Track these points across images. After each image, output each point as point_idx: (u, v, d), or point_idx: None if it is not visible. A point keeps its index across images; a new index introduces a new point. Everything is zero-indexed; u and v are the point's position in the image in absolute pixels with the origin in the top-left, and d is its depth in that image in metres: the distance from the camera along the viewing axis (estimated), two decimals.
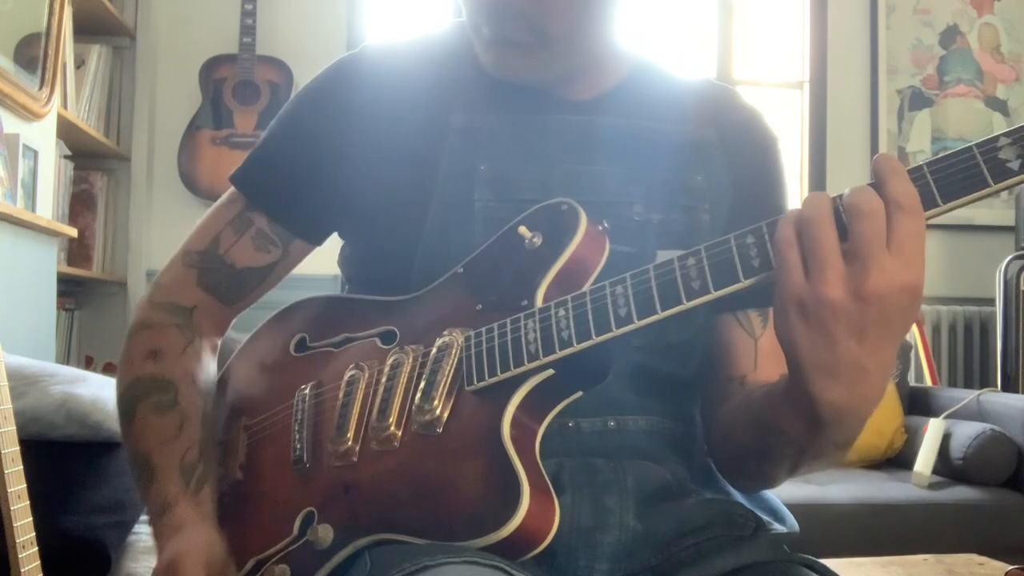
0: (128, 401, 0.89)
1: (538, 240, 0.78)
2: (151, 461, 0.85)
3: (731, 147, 0.92)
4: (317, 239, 0.96)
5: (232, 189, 0.95)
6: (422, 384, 0.77)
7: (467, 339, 0.77)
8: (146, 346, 0.91)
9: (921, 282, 0.62)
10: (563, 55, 0.86)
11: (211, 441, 0.88)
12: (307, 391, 0.86)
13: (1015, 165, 0.60)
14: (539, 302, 0.75)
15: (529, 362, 0.73)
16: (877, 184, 0.62)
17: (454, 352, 0.77)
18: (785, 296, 0.63)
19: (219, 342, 0.97)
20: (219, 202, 0.95)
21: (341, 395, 0.82)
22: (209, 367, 0.94)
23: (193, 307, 0.93)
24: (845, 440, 0.70)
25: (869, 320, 0.61)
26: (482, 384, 0.74)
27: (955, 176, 0.61)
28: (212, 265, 0.92)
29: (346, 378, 0.83)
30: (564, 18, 0.82)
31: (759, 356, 0.89)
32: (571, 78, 0.90)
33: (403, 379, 0.79)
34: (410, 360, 0.80)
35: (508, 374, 0.73)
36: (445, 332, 0.78)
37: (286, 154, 0.92)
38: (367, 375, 0.82)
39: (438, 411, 0.75)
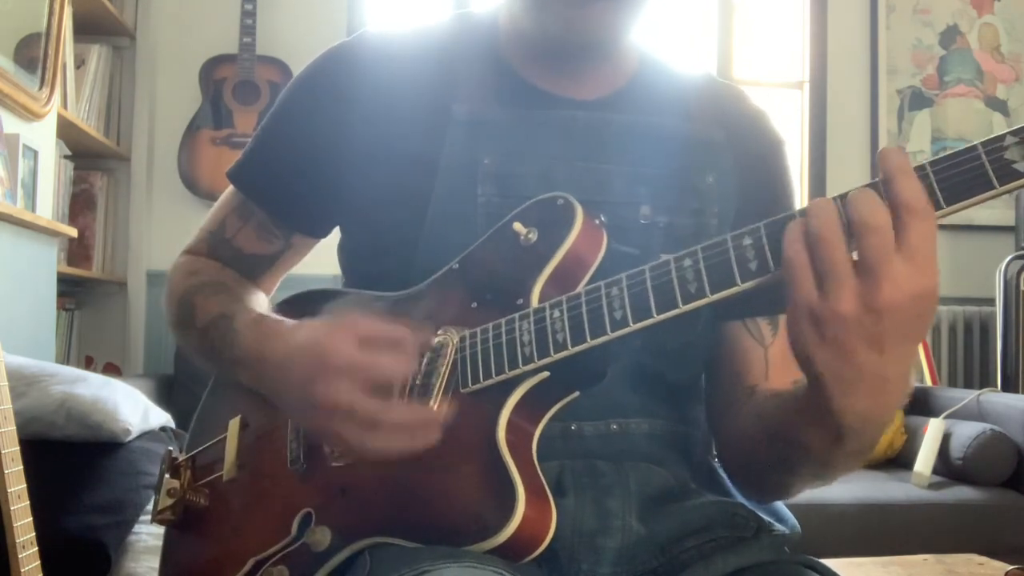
0: (184, 305, 0.90)
1: (533, 236, 0.77)
2: (229, 301, 0.87)
3: (738, 148, 0.90)
4: (317, 232, 0.96)
5: None
6: (417, 385, 0.76)
7: (462, 339, 0.76)
8: (185, 270, 0.94)
9: (936, 285, 0.60)
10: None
11: None
12: None
13: (1022, 166, 0.57)
14: (534, 301, 0.75)
15: (524, 365, 0.72)
16: (883, 182, 0.60)
17: (449, 353, 0.76)
18: (799, 314, 0.62)
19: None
20: (227, 191, 0.97)
21: None
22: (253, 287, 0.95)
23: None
24: (863, 448, 0.69)
25: (885, 330, 0.60)
26: (477, 386, 0.74)
27: (959, 177, 0.59)
28: (222, 244, 0.95)
29: None
30: None
31: (770, 365, 0.88)
32: (581, 74, 0.88)
33: None
34: None
35: (503, 376, 0.73)
36: (440, 331, 0.78)
37: (281, 148, 0.92)
38: None
39: None
